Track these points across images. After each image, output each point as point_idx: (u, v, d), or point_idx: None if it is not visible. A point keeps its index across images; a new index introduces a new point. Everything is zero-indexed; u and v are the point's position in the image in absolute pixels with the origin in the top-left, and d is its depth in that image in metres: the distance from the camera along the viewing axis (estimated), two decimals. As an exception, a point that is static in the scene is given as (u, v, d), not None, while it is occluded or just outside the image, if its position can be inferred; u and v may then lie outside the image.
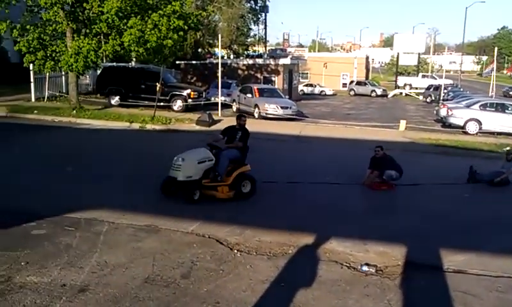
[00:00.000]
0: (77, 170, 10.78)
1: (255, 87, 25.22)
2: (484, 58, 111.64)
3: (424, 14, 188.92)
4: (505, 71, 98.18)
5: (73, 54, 19.47)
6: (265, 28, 58.01)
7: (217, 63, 24.48)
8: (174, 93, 23.62)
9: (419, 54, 59.07)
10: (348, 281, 5.96)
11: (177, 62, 37.83)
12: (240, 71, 36.20)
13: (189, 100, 23.55)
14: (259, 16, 56.20)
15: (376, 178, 10.70)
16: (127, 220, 7.59)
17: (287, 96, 29.14)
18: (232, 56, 48.18)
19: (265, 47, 59.76)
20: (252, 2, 54.09)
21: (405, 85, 56.52)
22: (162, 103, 22.37)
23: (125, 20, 19.76)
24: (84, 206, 8.06)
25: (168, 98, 23.24)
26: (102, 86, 24.84)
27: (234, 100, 25.81)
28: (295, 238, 7.22)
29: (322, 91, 51.87)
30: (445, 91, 38.86)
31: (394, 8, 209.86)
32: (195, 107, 23.54)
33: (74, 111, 19.83)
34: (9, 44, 29.28)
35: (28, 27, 20.15)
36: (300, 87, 48.60)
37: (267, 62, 36.99)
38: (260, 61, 37.93)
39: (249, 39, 58.58)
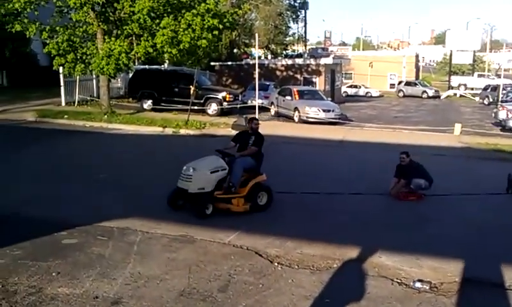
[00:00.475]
0: (109, 177, 11.04)
1: (295, 89, 25.27)
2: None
3: (479, 8, 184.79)
4: None
5: (104, 56, 20.00)
6: (305, 26, 58.08)
7: (254, 64, 24.61)
8: (208, 96, 23.92)
9: (474, 51, 57.66)
10: (399, 299, 5.86)
11: (212, 63, 38.29)
12: (278, 72, 36.29)
13: (225, 104, 23.79)
14: (298, 13, 56.30)
15: (402, 187, 10.49)
16: (161, 230, 7.71)
17: (329, 99, 29.01)
18: (269, 56, 48.41)
19: (305, 45, 59.70)
20: (291, -2, 54.26)
21: (459, 85, 55.28)
22: (196, 107, 22.69)
23: (158, 20, 20.16)
24: (116, 214, 8.25)
25: (202, 101, 23.54)
26: (134, 90, 25.43)
27: (272, 103, 25.92)
28: (340, 251, 7.15)
29: (367, 93, 51.39)
30: (504, 91, 37.75)
31: (446, 2, 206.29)
32: (231, 111, 23.77)
33: (106, 116, 20.36)
34: (38, 46, 30.43)
35: (57, 28, 20.83)
36: (343, 88, 48.29)
37: (308, 62, 36.96)
38: (299, 61, 37.93)
39: (287, 38, 58.72)
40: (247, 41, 51.58)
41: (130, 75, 27.06)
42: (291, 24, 57.19)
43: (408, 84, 54.12)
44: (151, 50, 20.50)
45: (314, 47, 79.03)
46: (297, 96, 24.15)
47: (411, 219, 9.29)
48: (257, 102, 22.96)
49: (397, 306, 5.67)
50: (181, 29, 19.80)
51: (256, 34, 26.45)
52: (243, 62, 38.46)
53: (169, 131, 18.63)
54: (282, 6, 52.31)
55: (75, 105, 24.64)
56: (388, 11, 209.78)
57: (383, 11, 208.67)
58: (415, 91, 51.62)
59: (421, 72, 75.02)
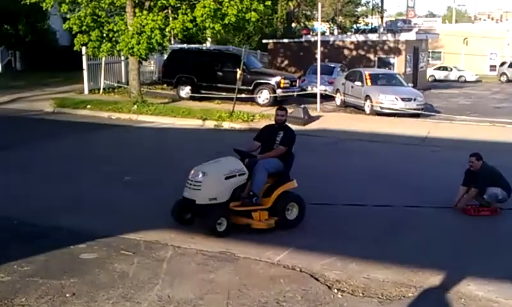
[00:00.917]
0: (136, 180, 11.30)
1: (367, 72, 25.02)
2: None
3: None
4: None
5: (135, 33, 20.46)
6: (382, -7, 57.30)
7: (316, 41, 24.54)
8: (259, 81, 24.05)
9: None
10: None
11: (264, 41, 38.44)
12: (346, 52, 36.02)
13: (279, 91, 23.84)
14: (373, -23, 55.68)
15: (472, 198, 10.15)
16: (196, 245, 7.83)
17: (411, 84, 28.49)
18: (335, 31, 48.11)
19: (382, 18, 58.95)
20: (364, -41, 53.78)
21: None
22: (243, 95, 22.89)
23: (198, -11, 20.44)
24: (143, 225, 8.45)
25: (251, 87, 23.72)
26: (169, 74, 25.89)
27: (338, 90, 25.77)
28: (417, 277, 7.06)
29: (460, 77, 50.35)
30: None
31: None
32: (286, 100, 23.78)
33: (135, 106, 20.85)
34: (57, 22, 31.48)
35: (80, 0, 21.41)
36: (429, 71, 47.40)
37: (384, 38, 36.46)
38: (374, 36, 37.49)
39: (359, 9, 58.22)
40: (308, 13, 51.49)
41: (165, 56, 27.55)
42: (364, -9, 56.72)
43: (512, 65, 52.58)
44: (190, 25, 20.80)
45: (393, 19, 77.94)
46: (369, 81, 23.89)
47: (495, 238, 9.10)
48: (319, 88, 22.87)
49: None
50: (226, 0, 19.97)
51: (319, 4, 26.37)
52: (303, 39, 38.35)
53: (210, 124, 18.89)
54: (353, -32, 51.97)
55: (100, 92, 25.38)
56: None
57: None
58: (523, 75, 50.11)
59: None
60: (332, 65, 30.57)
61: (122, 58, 26.36)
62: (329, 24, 50.74)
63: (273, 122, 9.33)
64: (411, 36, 37.34)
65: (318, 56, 23.26)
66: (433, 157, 15.33)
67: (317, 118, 20.45)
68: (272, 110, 21.40)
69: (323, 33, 45.68)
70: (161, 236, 8.04)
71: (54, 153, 14.06)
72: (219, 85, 24.16)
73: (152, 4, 21.51)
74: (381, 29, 47.44)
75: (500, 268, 7.53)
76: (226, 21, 20.35)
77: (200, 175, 8.27)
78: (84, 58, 24.89)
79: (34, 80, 27.86)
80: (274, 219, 8.58)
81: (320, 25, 30.96)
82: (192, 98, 24.22)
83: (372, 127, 19.38)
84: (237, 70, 21.08)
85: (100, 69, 25.99)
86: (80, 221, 8.63)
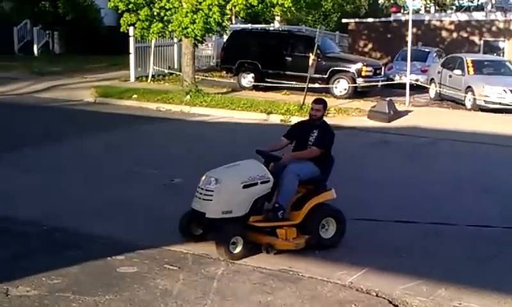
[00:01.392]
0: (184, 183, 11.43)
1: (469, 58, 24.65)
2: None
3: None
4: None
5: (190, 11, 20.69)
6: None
7: (407, 21, 24.25)
8: (336, 68, 24.01)
9: None
10: None
11: (344, 21, 38.29)
12: (444, 34, 35.51)
13: (360, 80, 23.76)
14: None
15: None
16: (253, 261, 7.89)
17: (524, 74, 27.80)
18: (432, 9, 47.33)
19: (490, -8, 57.58)
20: None
21: None
22: (317, 85, 22.88)
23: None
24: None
25: (326, 76, 23.68)
26: (229, 59, 26.13)
27: (432, 80, 25.48)
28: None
29: None
30: None
31: None
32: (368, 91, 23.64)
33: (188, 96, 21.14)
34: (102, 0, 32.18)
35: (127, -27, 21.87)
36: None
37: (492, 17, 35.66)
38: (479, 15, 36.73)
39: (462, -18, 57.06)
40: (398, -13, 50.88)
41: (225, 38, 27.77)
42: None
43: None
44: (254, 1, 20.89)
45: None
46: (471, 70, 23.55)
47: None
48: (408, 77, 22.58)
49: None
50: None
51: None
52: (391, 18, 38.02)
53: (275, 119, 18.96)
54: None
55: (148, 80, 25.92)
56: None
57: None
58: None
59: None
60: (426, 50, 30.22)
61: (175, 40, 26.79)
62: (425, 0, 49.93)
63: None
64: (525, 14, 36.38)
65: (409, 39, 22.95)
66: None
67: (406, 113, 20.21)
68: (351, 103, 21.72)
69: (416, 11, 45.02)
70: (212, 250, 8.07)
71: (91, 150, 14.46)
72: (288, 73, 24.25)
73: (210, -24, 21.71)
74: (489, 6, 46.28)
75: None
76: (298, -4, 20.38)
77: (213, 182, 8.02)
78: (131, 40, 25.45)
79: (74, 66, 28.66)
80: (304, 238, 8.29)
81: (412, 1, 30.41)
82: (255, 88, 24.44)
83: (474, 125, 19.01)
84: (310, 54, 21.05)
85: (149, 53, 26.48)
86: (118, 229, 8.83)
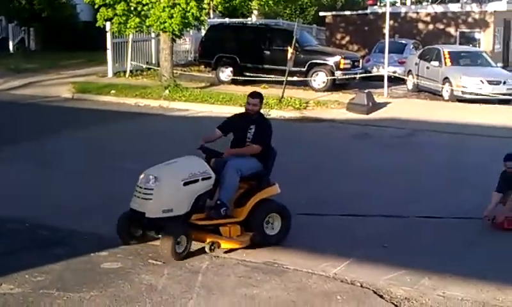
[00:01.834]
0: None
1: (446, 49, 24.79)
2: None
3: None
4: None
5: (167, 6, 20.60)
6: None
7: (384, 13, 24.32)
8: (314, 61, 24.01)
9: None
10: None
11: (321, 14, 38.31)
12: (421, 26, 35.65)
13: (338, 73, 23.77)
14: None
15: (509, 210, 9.74)
16: (237, 254, 7.90)
17: (500, 64, 28.02)
18: (408, 2, 47.50)
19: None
20: None
21: None
22: (295, 78, 22.90)
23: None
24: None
25: (304, 69, 23.69)
26: (207, 54, 26.02)
27: (410, 72, 25.56)
28: (504, 296, 7.01)
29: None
30: None
31: None
32: (347, 83, 23.70)
33: (167, 91, 21.09)
34: (78, -6, 31.99)
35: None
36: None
37: (468, 9, 35.83)
38: (455, 7, 36.87)
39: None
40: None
41: (203, 33, 27.69)
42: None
43: None
44: (232, -5, 20.86)
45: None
46: (448, 61, 23.69)
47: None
48: (386, 69, 22.66)
49: None
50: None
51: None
52: (368, 11, 38.12)
53: (254, 113, 18.89)
54: None
55: (127, 75, 25.78)
56: None
57: None
58: None
59: None
60: (403, 42, 30.29)
61: (152, 35, 26.65)
62: (401, -8, 50.11)
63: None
64: (501, 6, 36.41)
65: (386, 31, 23.03)
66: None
67: (384, 105, 20.29)
68: (330, 96, 21.78)
69: (393, 4, 45.08)
70: (196, 244, 8.05)
71: (71, 146, 14.37)
72: (266, 66, 24.22)
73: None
74: (464, -2, 46.66)
75: None
76: (275, -11, 20.38)
77: (151, 180, 7.78)
78: (108, 36, 25.26)
79: (51, 62, 28.43)
80: (249, 235, 8.12)
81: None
82: (234, 82, 24.38)
83: (451, 116, 19.18)
84: (288, 48, 21.08)
85: (126, 48, 26.30)
86: (102, 225, 8.76)
